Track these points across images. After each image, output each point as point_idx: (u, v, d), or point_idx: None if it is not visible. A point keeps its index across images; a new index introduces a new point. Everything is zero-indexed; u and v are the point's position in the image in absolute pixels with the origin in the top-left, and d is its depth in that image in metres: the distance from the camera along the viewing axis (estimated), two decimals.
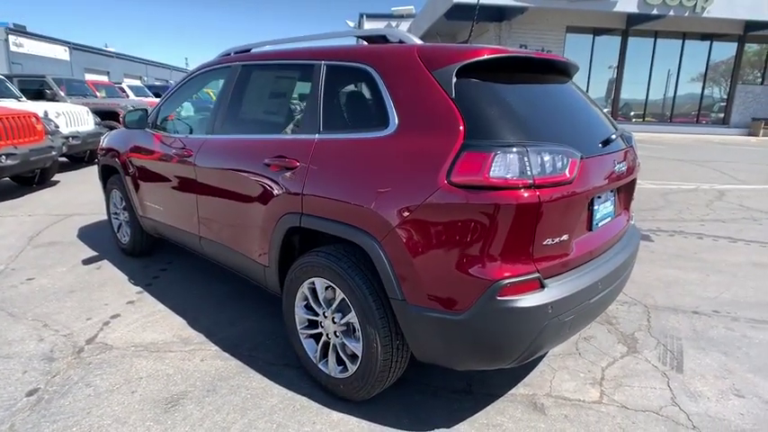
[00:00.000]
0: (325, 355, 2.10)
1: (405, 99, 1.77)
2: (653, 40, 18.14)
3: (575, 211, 1.74)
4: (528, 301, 1.59)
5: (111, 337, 2.59)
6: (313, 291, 2.08)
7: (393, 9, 25.68)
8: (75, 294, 3.13)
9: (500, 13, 16.99)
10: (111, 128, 9.41)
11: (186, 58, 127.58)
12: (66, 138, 7.42)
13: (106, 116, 9.45)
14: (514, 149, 1.56)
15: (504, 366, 1.73)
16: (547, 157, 1.60)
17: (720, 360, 2.48)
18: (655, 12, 15.72)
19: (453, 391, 2.17)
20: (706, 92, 19.18)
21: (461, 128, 1.62)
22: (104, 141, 3.91)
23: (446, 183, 1.58)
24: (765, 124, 18.03)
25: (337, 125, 1.99)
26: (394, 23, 26.08)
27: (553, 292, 1.64)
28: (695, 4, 15.56)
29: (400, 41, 2.03)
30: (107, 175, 3.90)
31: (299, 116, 2.21)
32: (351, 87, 2.00)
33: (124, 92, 13.78)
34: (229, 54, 2.86)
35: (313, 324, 2.15)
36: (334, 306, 1.98)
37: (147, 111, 3.16)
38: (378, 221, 1.72)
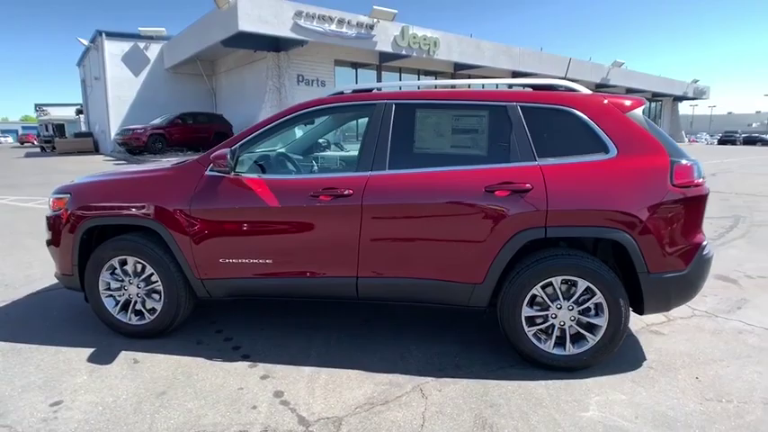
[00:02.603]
0: (557, 341, 2.55)
1: (616, 133, 2.49)
2: (398, 74, 22.34)
3: None
4: (712, 252, 2.57)
5: (315, 410, 2.25)
6: (545, 289, 2.51)
7: (141, 29, 22.81)
8: (172, 394, 2.38)
9: (278, 44, 17.80)
10: None
11: None
12: None
13: None
14: (695, 162, 2.52)
15: (689, 301, 2.65)
16: (701, 165, 2.62)
17: None
18: (403, 52, 19.60)
19: None
20: None
21: (665, 150, 2.47)
22: (92, 194, 2.90)
23: (672, 186, 2.40)
24: None
25: (553, 152, 2.50)
26: (142, 45, 23.27)
27: (710, 246, 2.67)
28: (429, 48, 20.19)
29: (570, 89, 2.71)
30: (97, 239, 2.89)
31: (504, 147, 2.56)
32: (556, 124, 2.54)
33: None
34: (342, 93, 2.83)
35: (536, 320, 2.56)
36: (576, 296, 2.48)
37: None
38: (630, 219, 2.38)
